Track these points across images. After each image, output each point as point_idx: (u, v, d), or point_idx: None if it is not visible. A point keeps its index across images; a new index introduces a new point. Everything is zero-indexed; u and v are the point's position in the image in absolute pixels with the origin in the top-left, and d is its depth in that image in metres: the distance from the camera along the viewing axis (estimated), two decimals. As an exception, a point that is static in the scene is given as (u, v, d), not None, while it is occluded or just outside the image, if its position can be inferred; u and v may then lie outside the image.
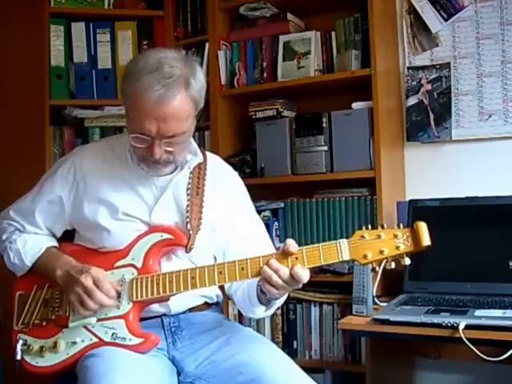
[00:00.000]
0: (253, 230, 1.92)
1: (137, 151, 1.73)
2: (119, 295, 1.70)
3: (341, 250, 1.57)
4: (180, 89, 1.64)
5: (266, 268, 1.57)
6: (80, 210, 1.82)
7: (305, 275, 1.57)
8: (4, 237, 1.90)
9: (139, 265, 1.73)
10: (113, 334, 1.69)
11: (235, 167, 2.16)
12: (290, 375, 1.64)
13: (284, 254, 1.59)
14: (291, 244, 1.59)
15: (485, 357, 1.86)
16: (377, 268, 1.59)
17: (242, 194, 1.98)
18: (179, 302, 1.77)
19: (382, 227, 1.58)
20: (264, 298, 1.70)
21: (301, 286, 1.60)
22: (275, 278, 1.56)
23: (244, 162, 2.89)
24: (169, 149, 1.69)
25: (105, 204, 1.80)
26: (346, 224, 2.68)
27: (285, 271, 1.56)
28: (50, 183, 1.87)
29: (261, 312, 1.78)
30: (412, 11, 2.80)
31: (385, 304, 2.27)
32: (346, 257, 1.57)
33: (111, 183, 1.82)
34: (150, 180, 1.82)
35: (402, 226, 1.57)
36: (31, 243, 1.86)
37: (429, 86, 2.75)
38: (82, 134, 3.05)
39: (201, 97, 1.72)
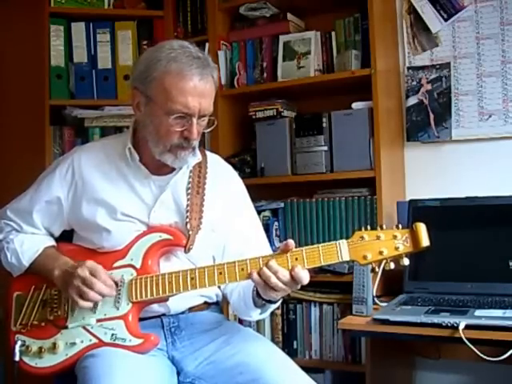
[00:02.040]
0: (251, 230, 1.93)
1: (171, 138, 1.71)
2: (117, 284, 1.70)
3: (340, 251, 1.58)
4: (209, 68, 1.71)
5: (264, 269, 1.57)
6: (78, 211, 1.82)
7: (305, 277, 1.57)
8: (1, 236, 1.90)
9: (138, 265, 1.73)
10: (112, 335, 1.69)
11: (235, 167, 2.16)
12: (289, 375, 1.64)
13: (284, 255, 1.59)
14: (289, 241, 1.60)
15: (485, 357, 1.85)
16: (376, 268, 1.59)
17: (242, 193, 1.98)
18: (179, 302, 1.77)
19: (382, 228, 1.59)
20: (260, 302, 1.70)
21: (299, 287, 1.60)
22: (274, 279, 1.56)
23: (244, 162, 2.88)
24: (199, 130, 1.73)
25: (103, 204, 1.80)
26: (346, 224, 2.68)
27: (284, 273, 1.56)
28: (48, 183, 1.87)
29: (256, 315, 1.78)
30: (412, 11, 2.79)
31: (385, 304, 2.27)
32: (346, 257, 1.58)
33: (110, 183, 1.82)
34: (149, 179, 1.82)
35: (401, 226, 1.58)
36: (29, 243, 1.86)
37: (429, 86, 2.75)
38: (82, 133, 3.05)
39: (217, 80, 1.77)
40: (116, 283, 1.70)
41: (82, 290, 1.65)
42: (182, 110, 1.67)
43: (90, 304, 1.68)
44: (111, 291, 1.68)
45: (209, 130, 1.79)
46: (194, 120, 1.68)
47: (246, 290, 1.75)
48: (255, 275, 1.58)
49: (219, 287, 1.90)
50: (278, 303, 1.77)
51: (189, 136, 1.70)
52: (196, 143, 1.76)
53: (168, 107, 1.67)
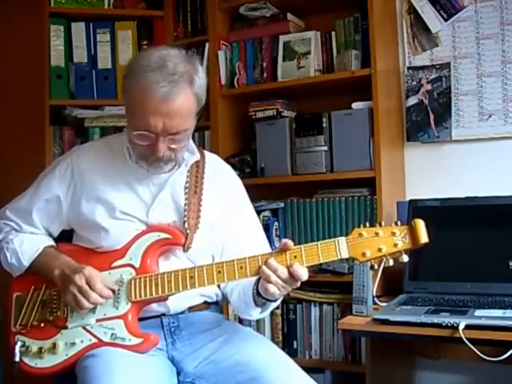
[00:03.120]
0: (250, 230, 1.92)
1: (137, 149, 1.72)
2: (114, 292, 1.70)
3: (339, 248, 1.58)
4: (184, 86, 1.65)
5: (264, 267, 1.57)
6: (78, 209, 1.82)
7: (304, 273, 1.57)
8: (0, 236, 1.90)
9: (137, 265, 1.73)
10: (112, 335, 1.69)
11: (235, 167, 2.16)
12: (288, 374, 1.64)
13: (282, 252, 1.59)
14: (288, 241, 1.59)
15: (485, 357, 1.85)
16: (375, 266, 1.59)
17: (241, 193, 1.98)
18: (178, 302, 1.77)
19: (380, 225, 1.59)
20: (260, 301, 1.69)
21: (299, 284, 1.60)
22: (274, 277, 1.56)
23: (244, 162, 2.88)
24: (172, 146, 1.70)
25: (102, 203, 1.80)
26: (346, 224, 2.68)
27: (283, 270, 1.56)
28: (48, 182, 1.87)
29: (256, 314, 1.77)
30: (412, 11, 2.79)
31: (385, 304, 2.27)
32: (345, 255, 1.57)
33: (109, 182, 1.82)
34: (148, 178, 1.81)
35: (399, 223, 1.58)
36: (28, 243, 1.85)
37: (429, 86, 2.75)
38: (82, 133, 3.05)
39: (203, 94, 1.73)
40: (113, 291, 1.70)
41: (78, 299, 1.66)
42: (144, 127, 1.65)
43: (85, 310, 1.69)
44: (106, 301, 1.69)
45: (176, 147, 1.73)
46: (160, 138, 1.66)
47: (246, 288, 1.75)
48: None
49: (219, 287, 1.90)
50: (278, 302, 1.77)
51: (153, 152, 1.69)
52: (174, 155, 1.73)
53: (132, 123, 1.67)
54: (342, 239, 1.58)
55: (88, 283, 1.66)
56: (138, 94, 1.63)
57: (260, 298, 1.67)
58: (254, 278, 1.67)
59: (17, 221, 1.90)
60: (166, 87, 1.61)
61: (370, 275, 2.23)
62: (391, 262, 1.56)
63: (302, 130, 2.75)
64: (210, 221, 1.83)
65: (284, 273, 1.56)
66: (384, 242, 1.55)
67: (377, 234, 1.56)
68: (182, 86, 1.64)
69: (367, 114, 2.61)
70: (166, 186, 1.81)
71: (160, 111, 1.62)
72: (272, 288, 1.57)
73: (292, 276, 1.56)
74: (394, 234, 1.56)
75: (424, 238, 1.53)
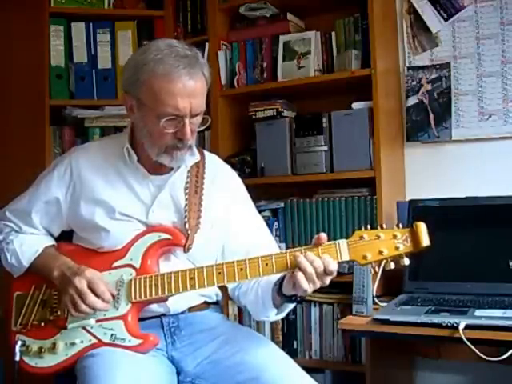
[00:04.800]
0: (255, 228, 1.92)
1: (165, 139, 1.70)
2: (114, 297, 1.70)
3: (340, 251, 1.57)
4: (197, 66, 1.68)
5: (302, 258, 1.55)
6: (77, 211, 1.82)
7: (335, 266, 1.55)
8: (0, 237, 1.90)
9: (137, 265, 1.72)
10: (112, 335, 1.69)
11: (235, 167, 2.16)
12: (289, 373, 1.64)
13: (283, 255, 1.59)
14: (322, 234, 1.60)
15: (485, 357, 1.85)
16: (376, 268, 1.59)
17: (242, 192, 1.98)
18: (178, 302, 1.77)
19: (382, 227, 1.58)
20: (278, 300, 1.68)
21: (328, 282, 1.58)
22: (310, 268, 1.53)
23: (244, 162, 2.88)
24: (193, 128, 1.71)
25: (101, 204, 1.79)
26: (346, 224, 2.67)
27: (319, 263, 1.54)
28: (47, 183, 1.86)
29: (273, 315, 1.76)
30: (412, 11, 2.79)
31: (385, 304, 2.27)
32: (346, 257, 1.57)
33: (108, 183, 1.82)
34: (147, 179, 1.81)
35: (401, 226, 1.57)
36: (28, 244, 1.85)
37: (429, 86, 2.75)
38: (82, 133, 3.06)
39: (209, 76, 1.75)
40: (113, 296, 1.70)
41: (75, 301, 1.66)
42: (173, 112, 1.65)
43: (82, 315, 1.68)
44: (106, 306, 1.68)
45: (203, 127, 1.77)
46: (186, 121, 1.67)
47: (265, 288, 1.73)
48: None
49: (225, 289, 1.89)
50: (294, 304, 1.75)
51: (182, 137, 1.69)
52: (192, 142, 1.75)
53: (159, 110, 1.66)
54: (343, 242, 1.58)
55: (90, 286, 1.66)
56: (160, 80, 1.64)
57: (280, 297, 1.66)
58: (274, 278, 1.66)
59: (17, 222, 1.90)
60: (185, 68, 1.64)
61: (370, 275, 2.23)
62: (392, 265, 1.55)
63: (302, 130, 2.75)
64: (211, 221, 1.83)
65: (320, 266, 1.54)
66: (385, 244, 1.55)
67: (378, 237, 1.55)
68: (196, 67, 1.68)
69: (367, 114, 2.60)
70: (166, 186, 1.81)
71: (187, 91, 1.64)
72: (302, 280, 1.54)
73: (324, 270, 1.54)
74: (395, 236, 1.55)
75: (426, 241, 1.52)
